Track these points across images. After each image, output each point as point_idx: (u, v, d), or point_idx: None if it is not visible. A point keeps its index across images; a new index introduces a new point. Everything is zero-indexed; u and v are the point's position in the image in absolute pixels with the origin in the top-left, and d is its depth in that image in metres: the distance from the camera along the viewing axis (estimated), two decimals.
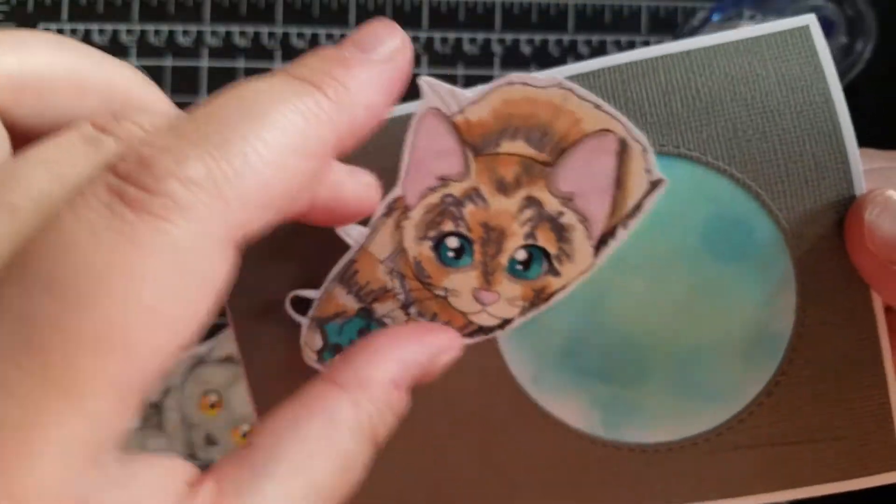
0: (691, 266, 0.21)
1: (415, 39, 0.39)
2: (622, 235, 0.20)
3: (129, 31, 0.39)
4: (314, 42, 0.39)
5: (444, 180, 0.21)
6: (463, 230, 0.21)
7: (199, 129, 0.14)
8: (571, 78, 0.21)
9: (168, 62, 0.39)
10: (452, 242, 0.21)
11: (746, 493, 0.22)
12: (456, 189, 0.21)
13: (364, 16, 0.39)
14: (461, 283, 0.21)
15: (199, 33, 0.39)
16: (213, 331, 0.39)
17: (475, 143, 0.20)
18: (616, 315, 0.22)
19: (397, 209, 0.21)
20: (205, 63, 0.39)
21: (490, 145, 0.20)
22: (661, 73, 0.21)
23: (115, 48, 0.39)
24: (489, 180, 0.20)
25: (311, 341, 0.23)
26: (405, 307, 0.22)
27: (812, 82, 0.21)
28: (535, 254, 0.20)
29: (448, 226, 0.21)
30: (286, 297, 0.22)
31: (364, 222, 0.21)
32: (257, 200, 0.14)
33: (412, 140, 0.20)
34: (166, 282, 0.13)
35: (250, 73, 0.39)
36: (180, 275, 0.13)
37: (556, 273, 0.21)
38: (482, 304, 0.21)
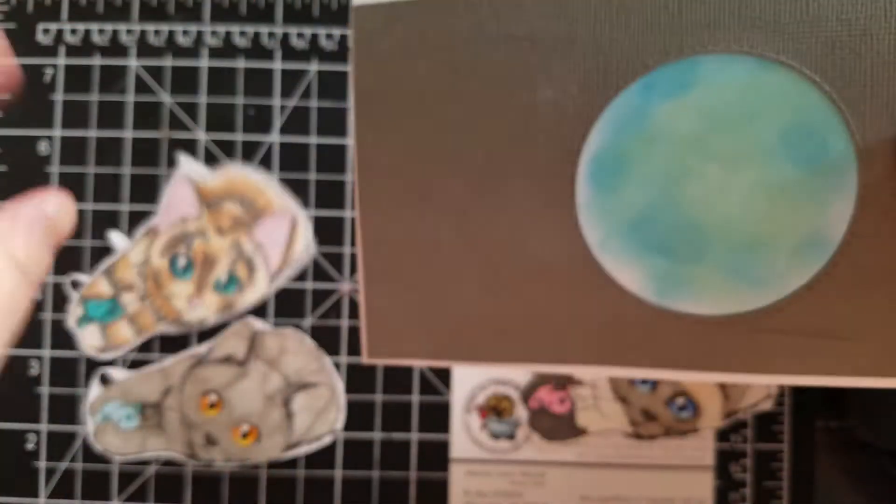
0: (765, 163, 0.23)
1: None
2: (286, 274, 0.32)
3: (129, 31, 0.39)
4: (314, 42, 0.39)
5: (185, 220, 0.34)
6: (190, 254, 0.33)
7: None
8: None
9: (168, 62, 0.39)
10: (182, 261, 0.33)
11: (768, 372, 0.24)
12: (191, 227, 0.33)
13: None
14: (181, 289, 0.33)
15: (199, 33, 0.39)
16: (213, 331, 0.38)
17: (208, 200, 0.33)
18: (688, 197, 0.24)
19: (151, 233, 0.34)
20: (205, 63, 0.39)
21: (217, 204, 0.33)
22: None
23: (115, 48, 0.39)
24: (213, 226, 0.32)
25: (75, 311, 0.35)
26: (142, 299, 0.34)
27: None
28: (233, 278, 0.30)
29: (181, 249, 0.33)
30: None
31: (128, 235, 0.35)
32: None
33: (169, 190, 0.34)
34: None
35: (250, 72, 0.38)
36: None
37: (243, 292, 0.31)
38: (192, 305, 0.33)
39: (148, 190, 0.38)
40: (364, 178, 0.26)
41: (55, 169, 0.38)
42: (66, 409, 0.38)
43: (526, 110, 0.24)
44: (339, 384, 0.35)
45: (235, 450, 0.34)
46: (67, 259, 0.37)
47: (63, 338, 0.38)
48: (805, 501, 0.37)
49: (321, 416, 0.35)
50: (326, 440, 0.34)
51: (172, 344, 0.38)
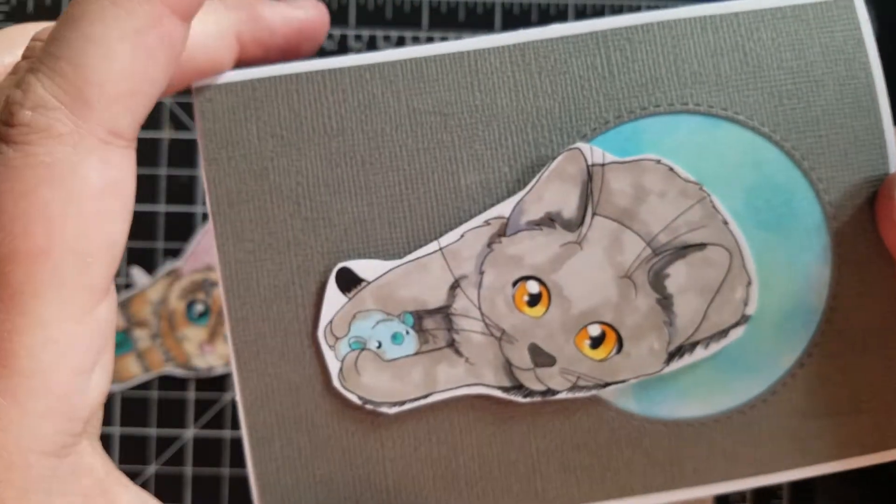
0: None
1: (415, 39, 0.37)
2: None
3: None
4: None
5: (210, 269, 0.33)
6: (209, 302, 0.33)
7: (48, 52, 0.15)
8: (626, 29, 0.20)
9: None
10: (199, 308, 0.32)
11: (778, 470, 0.20)
12: (214, 276, 0.32)
13: (364, 16, 0.37)
14: (194, 335, 0.32)
15: None
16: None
17: None
18: None
19: (173, 274, 0.33)
20: None
21: None
22: (709, 32, 0.20)
23: None
24: None
25: None
26: (153, 337, 0.33)
27: (854, 55, 0.20)
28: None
29: (201, 296, 0.33)
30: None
31: (150, 271, 0.34)
32: (111, 98, 0.15)
33: (200, 238, 0.33)
34: (46, 196, 0.14)
35: None
36: (57, 186, 0.15)
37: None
38: (202, 351, 0.32)
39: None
40: (234, 315, 0.20)
41: None
42: None
43: (448, 198, 0.20)
44: (741, 240, 0.20)
45: (586, 366, 0.20)
46: None
47: None
48: (805, 501, 0.34)
49: (720, 297, 0.21)
50: (732, 335, 0.21)
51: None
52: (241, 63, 0.19)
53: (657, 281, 0.19)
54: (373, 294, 0.19)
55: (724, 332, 0.19)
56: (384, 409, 0.19)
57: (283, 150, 0.19)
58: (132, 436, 0.35)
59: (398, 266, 0.19)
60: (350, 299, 0.19)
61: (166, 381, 0.35)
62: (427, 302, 0.19)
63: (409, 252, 0.19)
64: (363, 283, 0.19)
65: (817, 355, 0.20)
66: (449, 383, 0.19)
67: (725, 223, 0.19)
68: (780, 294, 0.20)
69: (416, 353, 0.19)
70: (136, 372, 0.33)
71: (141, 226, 0.35)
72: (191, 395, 0.35)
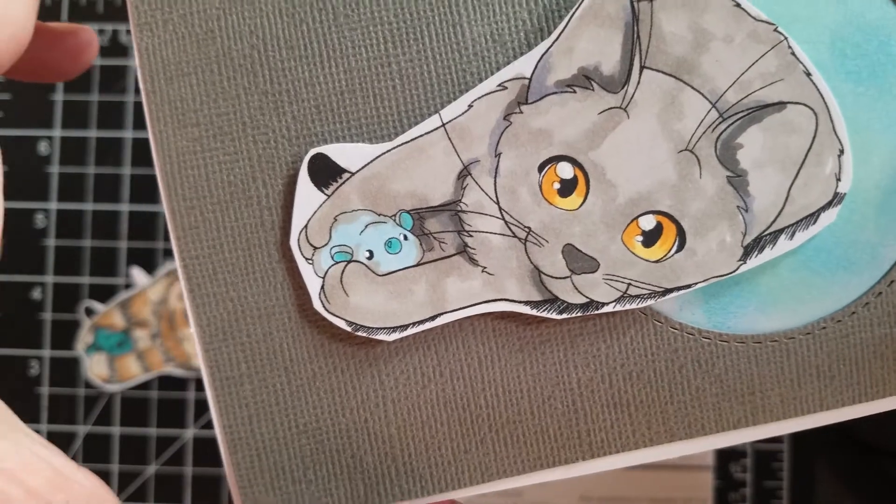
0: None
1: None
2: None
3: (128, 31, 0.34)
4: None
5: None
6: None
7: None
8: None
9: None
10: None
11: (886, 393, 0.16)
12: None
13: None
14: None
15: None
16: None
17: None
18: None
19: (173, 274, 0.30)
20: None
21: None
22: None
23: (115, 48, 0.35)
24: None
25: (86, 338, 0.31)
26: (153, 337, 0.31)
27: None
28: None
29: None
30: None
31: (150, 271, 0.32)
32: None
33: None
34: None
35: None
36: None
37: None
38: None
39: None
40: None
41: (55, 169, 0.34)
42: (66, 409, 0.35)
43: (449, 57, 0.15)
44: (829, 96, 0.15)
45: (638, 270, 0.15)
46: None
47: (63, 338, 0.35)
48: (805, 501, 0.33)
49: (806, 171, 0.15)
50: (823, 220, 0.15)
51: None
52: None
53: (727, 153, 0.14)
54: (358, 189, 0.15)
55: (812, 217, 0.15)
56: (381, 336, 0.15)
57: (233, 5, 0.15)
58: (132, 436, 0.34)
59: (389, 151, 0.15)
60: (329, 197, 0.15)
61: (166, 381, 0.35)
62: (429, 197, 0.15)
63: (402, 131, 0.15)
64: (345, 175, 0.15)
65: None
66: (462, 300, 0.15)
67: (808, 74, 0.14)
68: (881, 165, 0.15)
69: (419, 264, 0.15)
70: (136, 372, 0.33)
71: (141, 226, 0.35)
72: (191, 395, 0.34)
